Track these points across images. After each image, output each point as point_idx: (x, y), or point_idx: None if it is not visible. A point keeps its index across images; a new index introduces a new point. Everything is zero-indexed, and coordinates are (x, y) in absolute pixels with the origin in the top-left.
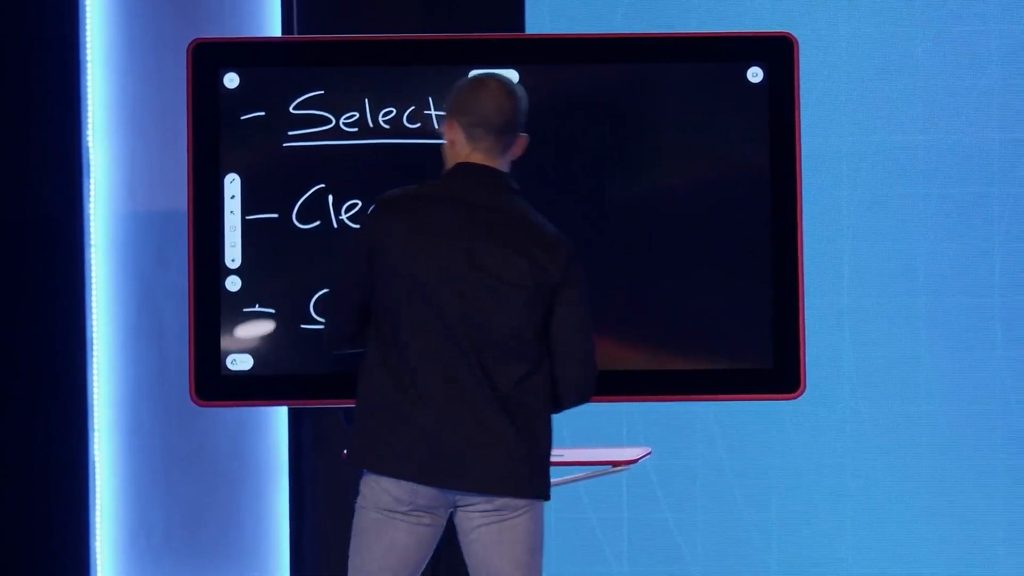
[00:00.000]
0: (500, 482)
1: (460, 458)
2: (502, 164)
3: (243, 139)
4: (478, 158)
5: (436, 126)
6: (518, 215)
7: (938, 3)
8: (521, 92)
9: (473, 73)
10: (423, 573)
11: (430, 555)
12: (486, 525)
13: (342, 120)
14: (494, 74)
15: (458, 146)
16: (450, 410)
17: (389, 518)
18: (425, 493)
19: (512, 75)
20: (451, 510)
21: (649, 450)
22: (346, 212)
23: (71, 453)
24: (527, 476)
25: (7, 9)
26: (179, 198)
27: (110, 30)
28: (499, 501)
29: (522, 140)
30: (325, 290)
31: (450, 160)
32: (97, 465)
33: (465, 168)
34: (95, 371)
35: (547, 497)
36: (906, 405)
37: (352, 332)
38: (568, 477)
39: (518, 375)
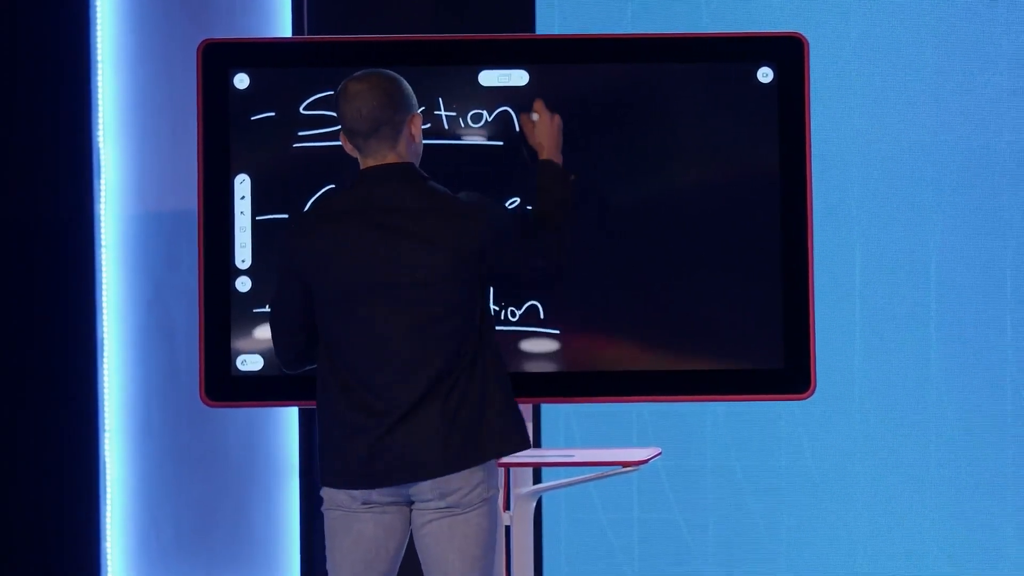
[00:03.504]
0: (444, 464)
1: (405, 454)
2: (400, 154)
3: (253, 139)
4: (371, 161)
5: (446, 126)
6: (429, 203)
7: (948, 4)
8: (386, 81)
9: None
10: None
11: (403, 546)
12: (437, 520)
13: None
14: (355, 75)
15: (353, 154)
16: (396, 411)
17: (351, 512)
18: (378, 491)
19: (522, 75)
20: (412, 501)
21: (659, 450)
22: None
23: (81, 453)
24: (471, 452)
25: (18, 10)
26: (189, 198)
27: (120, 31)
28: (451, 498)
29: (414, 120)
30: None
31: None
32: (107, 465)
33: (367, 173)
34: (105, 371)
35: (525, 443)
36: (916, 406)
37: (298, 352)
38: (579, 477)
39: (469, 358)
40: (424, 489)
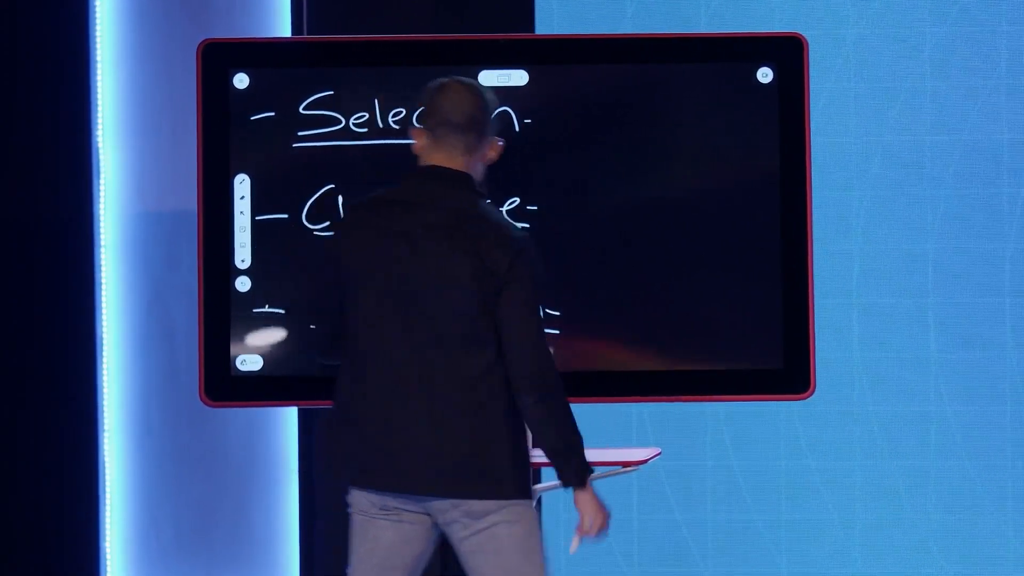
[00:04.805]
0: (461, 484)
1: (420, 463)
2: (467, 166)
3: (253, 139)
4: (439, 159)
5: None
6: (470, 213)
7: (946, 3)
8: (486, 95)
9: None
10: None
11: (427, 555)
12: (468, 538)
13: (352, 120)
14: (457, 77)
15: (424, 151)
16: (409, 415)
17: (370, 519)
18: (393, 498)
19: (522, 75)
20: (431, 515)
21: (659, 451)
22: None
23: (81, 453)
24: (493, 478)
25: (18, 10)
26: (189, 198)
27: (120, 31)
28: (465, 507)
29: (494, 145)
30: None
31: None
32: (107, 465)
33: (424, 170)
34: (105, 371)
35: (525, 496)
36: (915, 405)
37: (332, 342)
38: None
39: (475, 373)
40: (445, 507)
